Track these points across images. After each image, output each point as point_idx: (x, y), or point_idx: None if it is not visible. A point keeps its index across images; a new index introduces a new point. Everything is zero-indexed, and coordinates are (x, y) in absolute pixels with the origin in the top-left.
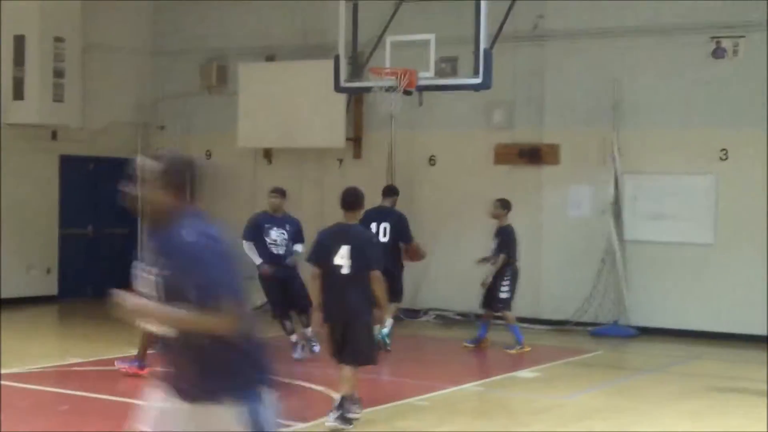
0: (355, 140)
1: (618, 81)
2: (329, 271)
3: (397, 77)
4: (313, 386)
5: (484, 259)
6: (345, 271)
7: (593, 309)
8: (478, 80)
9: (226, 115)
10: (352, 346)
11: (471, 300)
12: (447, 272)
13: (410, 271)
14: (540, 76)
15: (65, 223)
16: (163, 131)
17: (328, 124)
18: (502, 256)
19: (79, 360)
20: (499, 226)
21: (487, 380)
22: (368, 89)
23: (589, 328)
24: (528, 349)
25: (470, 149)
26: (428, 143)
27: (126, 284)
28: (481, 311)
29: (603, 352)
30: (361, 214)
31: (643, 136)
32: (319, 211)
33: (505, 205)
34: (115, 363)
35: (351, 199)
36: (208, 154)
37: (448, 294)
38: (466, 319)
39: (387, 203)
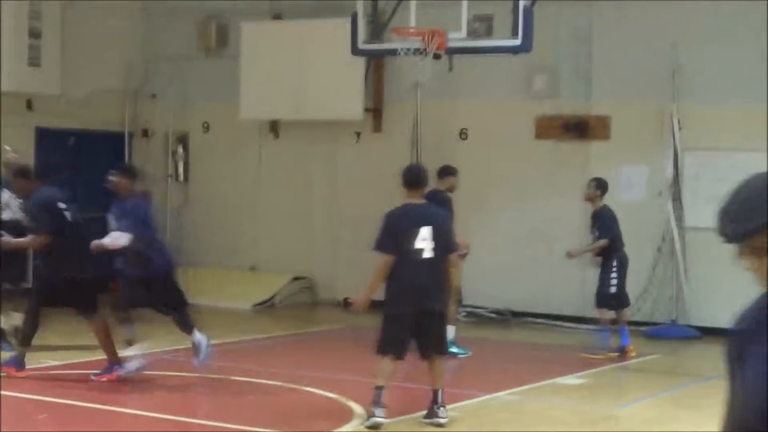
0: (375, 111)
1: (677, 45)
2: (407, 257)
3: (423, 38)
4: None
5: (585, 251)
6: (427, 255)
7: (648, 306)
8: (516, 42)
9: (226, 83)
10: (438, 335)
11: (508, 295)
12: (480, 264)
13: None
14: (588, 38)
15: None
16: (155, 100)
17: (343, 92)
18: (601, 241)
19: (56, 363)
20: (594, 210)
21: (526, 387)
22: (390, 52)
23: (643, 328)
24: (613, 355)
25: (507, 122)
26: (459, 115)
27: (111, 276)
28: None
29: (659, 355)
30: (423, 192)
31: (706, 107)
32: (334, 191)
33: (600, 185)
34: (91, 377)
35: (416, 177)
36: (206, 127)
37: (481, 289)
38: (501, 317)
39: (442, 186)
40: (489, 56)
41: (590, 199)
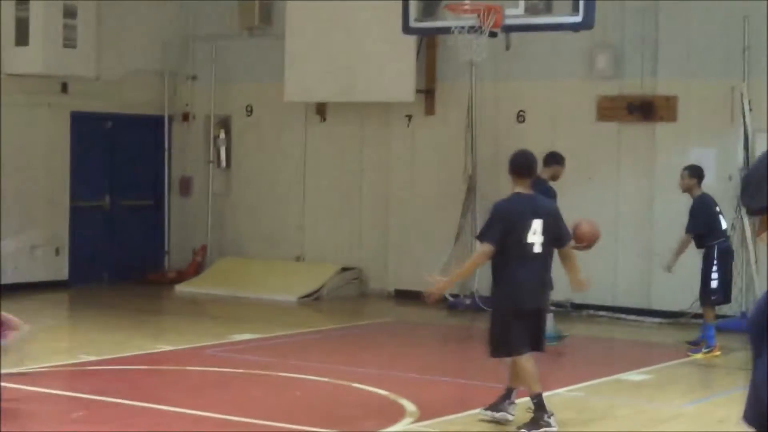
0: (428, 93)
1: (749, 19)
2: (519, 252)
3: (479, 15)
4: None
5: (676, 255)
6: (537, 249)
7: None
8: (577, 18)
9: (270, 63)
10: (540, 333)
11: (568, 286)
12: None
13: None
14: (653, 13)
15: (77, 194)
16: (196, 82)
17: (394, 73)
18: (686, 236)
19: (94, 358)
20: (693, 199)
21: (587, 384)
22: (444, 30)
23: None
24: (718, 353)
25: (568, 103)
26: (517, 96)
27: (150, 268)
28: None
29: (728, 350)
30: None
31: None
32: (384, 177)
33: (693, 172)
34: None
35: (528, 165)
36: (249, 110)
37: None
38: (562, 309)
39: (545, 175)
40: (548, 34)
41: (688, 189)
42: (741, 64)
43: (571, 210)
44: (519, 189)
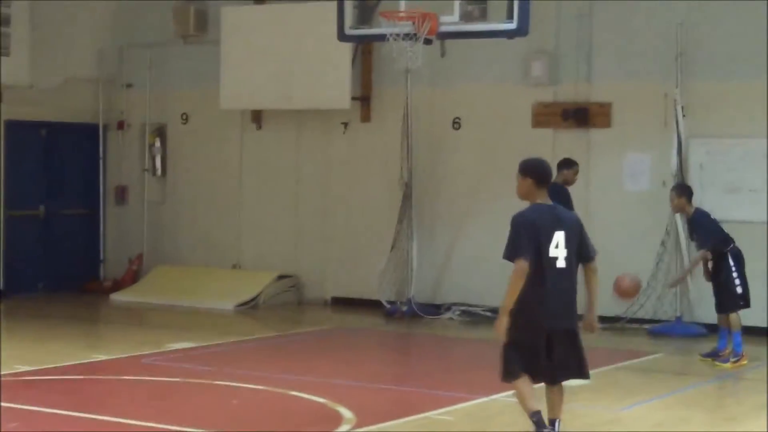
0: (363, 100)
1: (682, 26)
2: (541, 267)
3: (414, 22)
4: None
5: (687, 272)
6: (561, 264)
7: (651, 303)
8: (512, 25)
9: (206, 70)
10: (578, 355)
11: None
12: (475, 259)
13: (430, 258)
14: (588, 20)
15: (11, 203)
16: (131, 90)
17: (330, 80)
18: (700, 253)
19: (30, 368)
20: (688, 218)
21: None
22: (379, 37)
23: (647, 326)
24: (745, 362)
25: (503, 109)
26: (452, 103)
27: (86, 277)
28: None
29: (664, 354)
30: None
31: (713, 92)
32: (321, 184)
33: (681, 191)
34: None
35: (549, 172)
36: (185, 118)
37: (475, 285)
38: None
39: (559, 179)
40: (484, 41)
41: (680, 209)
42: (674, 70)
43: (507, 216)
44: (538, 197)
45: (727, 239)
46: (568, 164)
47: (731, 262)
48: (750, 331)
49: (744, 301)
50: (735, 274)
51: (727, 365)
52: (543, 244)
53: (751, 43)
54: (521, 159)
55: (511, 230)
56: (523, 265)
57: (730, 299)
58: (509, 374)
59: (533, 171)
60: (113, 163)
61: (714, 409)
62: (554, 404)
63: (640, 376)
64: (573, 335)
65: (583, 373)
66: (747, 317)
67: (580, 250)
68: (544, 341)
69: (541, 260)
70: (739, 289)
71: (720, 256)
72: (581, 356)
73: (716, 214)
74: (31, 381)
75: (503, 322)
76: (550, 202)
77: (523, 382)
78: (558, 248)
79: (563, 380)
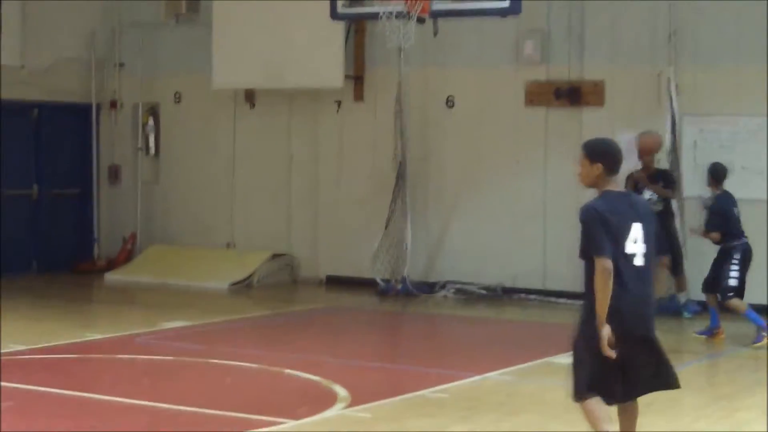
0: (356, 79)
1: (675, 5)
2: (617, 266)
3: (406, 1)
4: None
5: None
6: (639, 261)
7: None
8: (505, 4)
9: (198, 50)
10: (665, 363)
11: (498, 271)
12: (469, 237)
13: (424, 237)
14: None
15: (4, 184)
16: (123, 70)
17: (322, 59)
18: (713, 234)
19: (23, 347)
20: (715, 196)
21: (517, 367)
22: (372, 16)
23: None
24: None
25: (496, 88)
26: (445, 82)
27: (80, 257)
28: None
29: (657, 333)
30: None
31: (706, 71)
32: (314, 163)
33: (713, 173)
34: None
35: (620, 156)
36: (177, 98)
37: (470, 264)
38: (492, 294)
39: None
40: (476, 20)
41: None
42: (667, 50)
43: (501, 194)
44: (609, 184)
45: (737, 234)
46: None
47: (736, 257)
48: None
49: (732, 293)
50: (735, 266)
51: (764, 341)
52: (619, 240)
53: (743, 22)
54: (512, 137)
55: (584, 226)
56: (605, 264)
57: (718, 287)
58: (579, 393)
59: (604, 156)
60: (106, 143)
61: (706, 387)
62: (629, 421)
63: None
64: (652, 343)
65: (670, 383)
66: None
67: (654, 246)
68: (623, 352)
69: (617, 258)
70: (731, 282)
71: (728, 245)
72: (666, 364)
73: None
74: (25, 360)
75: (606, 333)
76: (622, 189)
77: (595, 402)
78: (636, 243)
79: (642, 395)
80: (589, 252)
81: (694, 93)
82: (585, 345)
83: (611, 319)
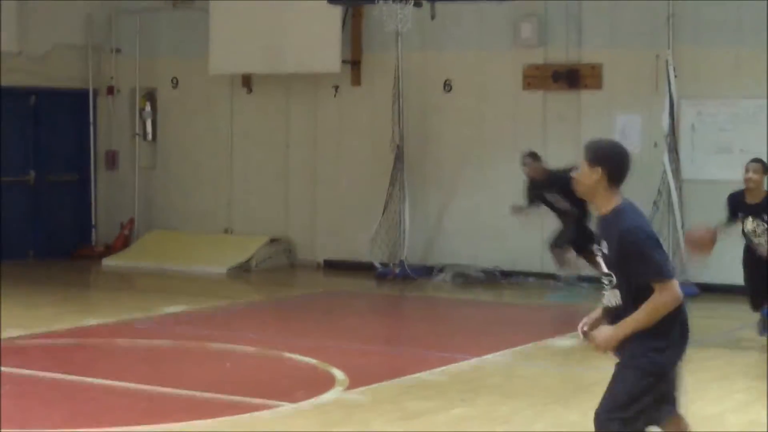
0: (354, 63)
1: None
2: None
3: None
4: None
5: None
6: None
7: None
8: None
9: (195, 35)
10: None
11: (496, 254)
12: (467, 220)
13: (422, 221)
14: None
15: (2, 170)
16: (120, 55)
17: (320, 44)
18: None
19: (22, 333)
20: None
21: (516, 349)
22: (369, 1)
23: None
24: None
25: (494, 72)
26: (443, 65)
27: (77, 243)
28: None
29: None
30: None
31: (705, 53)
32: (312, 148)
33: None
34: None
35: (627, 163)
36: (175, 83)
37: (467, 247)
38: (490, 277)
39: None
40: (473, 3)
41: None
42: (666, 32)
43: (499, 178)
44: (616, 198)
45: None
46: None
47: None
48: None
49: None
50: None
51: None
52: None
53: (741, 5)
54: (510, 121)
55: (644, 245)
56: (675, 286)
57: None
58: (639, 425)
59: (606, 160)
60: (103, 129)
61: (704, 370)
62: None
63: None
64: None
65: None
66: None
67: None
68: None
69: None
70: None
71: None
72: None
73: (707, 174)
74: (23, 346)
75: (618, 338)
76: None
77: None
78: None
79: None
80: (662, 273)
81: (692, 75)
82: (648, 371)
83: (680, 341)
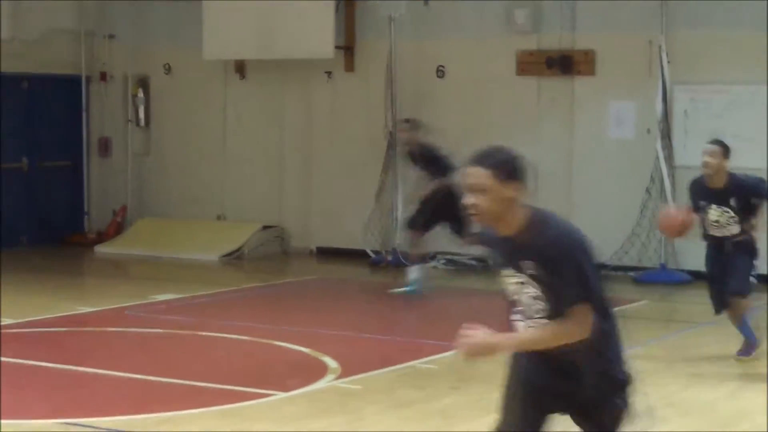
0: (347, 49)
1: None
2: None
3: None
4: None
5: None
6: None
7: (636, 250)
8: None
9: (188, 21)
10: None
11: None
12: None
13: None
14: None
15: None
16: (113, 41)
17: (313, 29)
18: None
19: (14, 321)
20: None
21: None
22: None
23: (631, 273)
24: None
25: (487, 58)
26: (436, 52)
27: (70, 230)
28: None
29: (648, 301)
30: None
31: (698, 39)
32: (305, 134)
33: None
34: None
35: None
36: (168, 68)
37: None
38: (482, 264)
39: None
40: None
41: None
42: (659, 18)
43: None
44: (525, 210)
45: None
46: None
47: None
48: None
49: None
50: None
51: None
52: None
53: None
54: (504, 107)
55: (582, 258)
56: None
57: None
58: None
59: (523, 171)
60: (96, 115)
61: (695, 357)
62: None
63: (625, 324)
64: None
65: None
66: None
67: None
68: None
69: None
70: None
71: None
72: None
73: (698, 161)
74: (16, 333)
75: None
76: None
77: None
78: None
79: None
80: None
81: (686, 61)
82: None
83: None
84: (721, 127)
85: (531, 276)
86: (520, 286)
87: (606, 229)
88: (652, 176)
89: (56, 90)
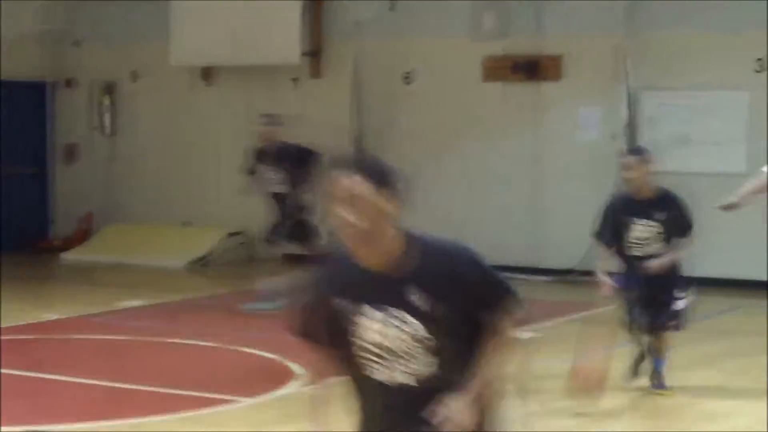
0: (314, 55)
1: None
2: None
3: None
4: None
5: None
6: None
7: None
8: None
9: (155, 26)
10: None
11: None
12: (427, 215)
13: None
14: None
15: None
16: (79, 47)
17: (279, 35)
18: None
19: None
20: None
21: None
22: None
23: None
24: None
25: (453, 63)
26: (403, 57)
27: (36, 237)
28: None
29: (617, 306)
30: None
31: (663, 44)
32: None
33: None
34: None
35: None
36: (134, 75)
37: None
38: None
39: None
40: None
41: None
42: (624, 22)
43: (460, 171)
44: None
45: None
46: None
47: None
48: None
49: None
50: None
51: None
52: None
53: None
54: (470, 112)
55: (483, 260)
56: None
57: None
58: None
59: (390, 179)
60: (62, 121)
61: (687, 353)
62: None
63: (592, 329)
64: None
65: None
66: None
67: None
68: None
69: None
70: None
71: None
72: None
73: (667, 165)
74: None
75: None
76: None
77: None
78: None
79: None
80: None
81: (653, 66)
82: None
83: None
84: (687, 133)
85: (417, 312)
86: (394, 330)
87: (573, 235)
88: (618, 181)
89: (21, 96)
